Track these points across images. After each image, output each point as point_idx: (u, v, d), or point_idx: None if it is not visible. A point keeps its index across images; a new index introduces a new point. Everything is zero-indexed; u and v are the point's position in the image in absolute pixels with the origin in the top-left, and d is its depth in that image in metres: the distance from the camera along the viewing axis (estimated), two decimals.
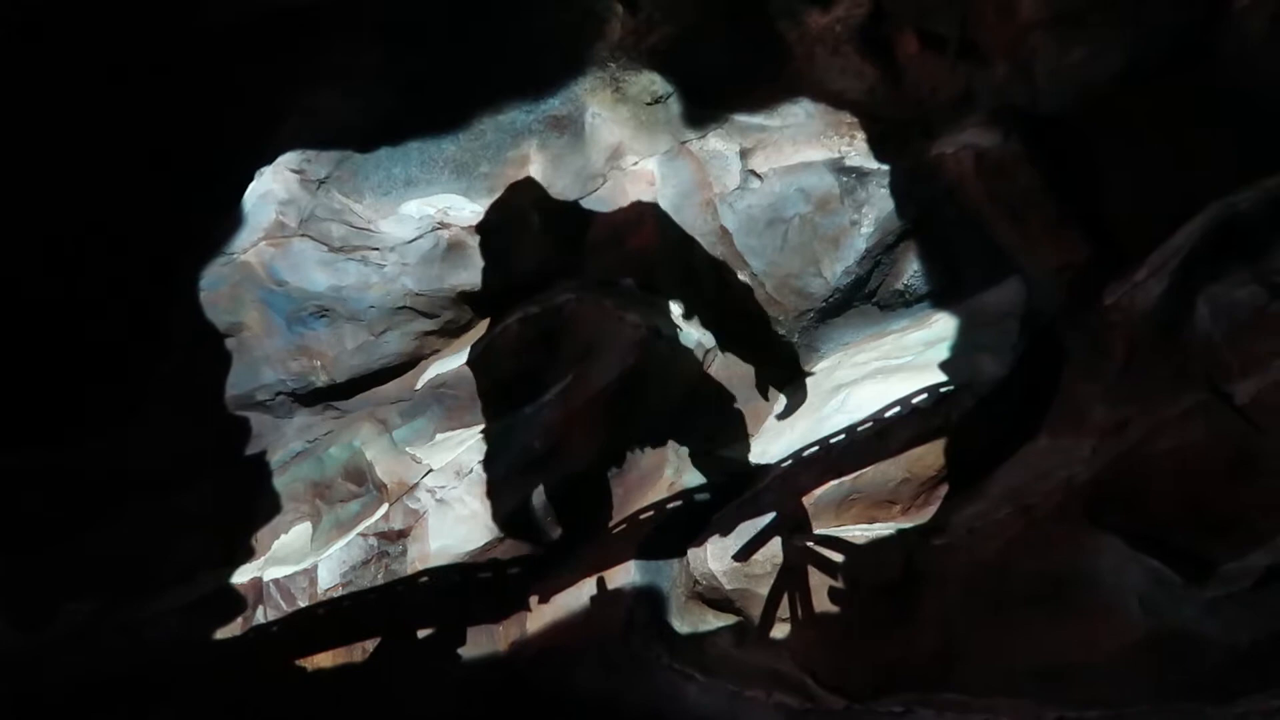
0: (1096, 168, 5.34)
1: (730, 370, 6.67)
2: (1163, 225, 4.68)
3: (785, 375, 6.63)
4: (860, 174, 6.29)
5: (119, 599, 6.30)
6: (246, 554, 6.77)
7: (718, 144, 6.59)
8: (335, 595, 6.45)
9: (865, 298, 6.54)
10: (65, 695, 5.84)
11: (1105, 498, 4.70)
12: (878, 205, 6.28)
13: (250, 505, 6.87)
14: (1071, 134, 5.40)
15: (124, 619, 6.23)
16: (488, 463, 6.47)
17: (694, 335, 6.58)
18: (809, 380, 6.53)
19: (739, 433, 6.56)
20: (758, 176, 6.46)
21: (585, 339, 6.54)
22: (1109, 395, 4.89)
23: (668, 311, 6.52)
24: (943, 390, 5.74)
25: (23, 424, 6.17)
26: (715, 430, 6.58)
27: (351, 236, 6.68)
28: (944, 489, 5.80)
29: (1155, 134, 5.12)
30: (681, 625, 5.94)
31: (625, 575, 6.14)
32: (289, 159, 6.62)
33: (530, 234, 6.84)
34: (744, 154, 6.52)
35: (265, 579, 6.59)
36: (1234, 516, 4.12)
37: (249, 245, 6.66)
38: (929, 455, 5.71)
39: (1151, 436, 4.55)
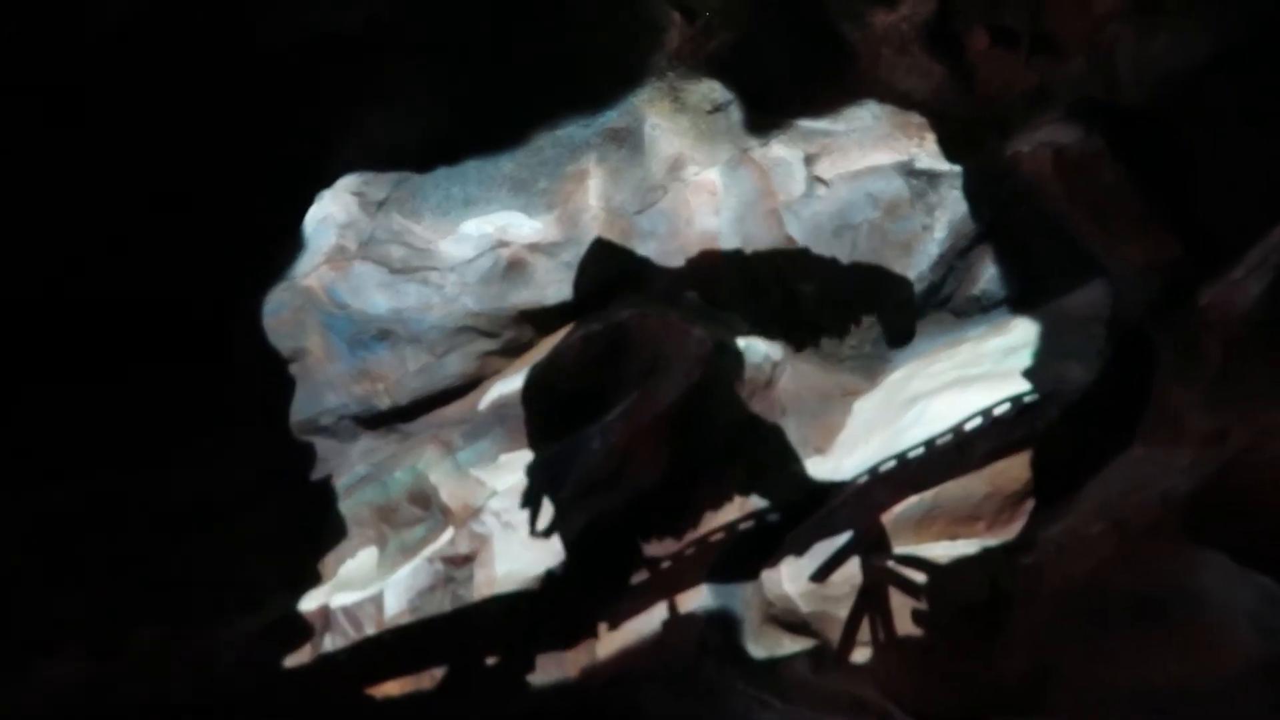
0: (1186, 161, 5.08)
1: (800, 383, 6.50)
2: (1261, 219, 4.44)
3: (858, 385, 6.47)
4: (931, 176, 6.10)
5: (188, 626, 6.31)
6: (313, 579, 6.76)
7: (781, 151, 6.43)
8: (402, 622, 6.40)
9: (939, 304, 6.34)
10: None
11: (1207, 511, 4.47)
12: (950, 208, 6.09)
13: (316, 530, 6.86)
14: (1157, 126, 5.14)
15: (193, 646, 6.24)
16: (553, 484, 6.38)
17: (761, 349, 6.42)
18: (883, 392, 6.35)
19: (787, 454, 6.40)
20: (823, 183, 6.30)
21: (649, 355, 6.42)
22: (1207, 401, 4.66)
23: (733, 325, 6.37)
24: (1026, 400, 5.53)
25: (90, 452, 6.24)
26: (782, 447, 6.42)
27: (411, 257, 6.66)
28: (1030, 503, 5.60)
29: (1248, 124, 4.85)
30: (756, 650, 5.80)
31: (697, 599, 6.02)
32: (348, 182, 6.64)
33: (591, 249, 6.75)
34: (809, 160, 6.37)
35: (332, 606, 6.55)
36: None
37: (310, 269, 6.67)
38: (1013, 468, 5.51)
39: (1257, 444, 4.30)
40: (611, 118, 6.61)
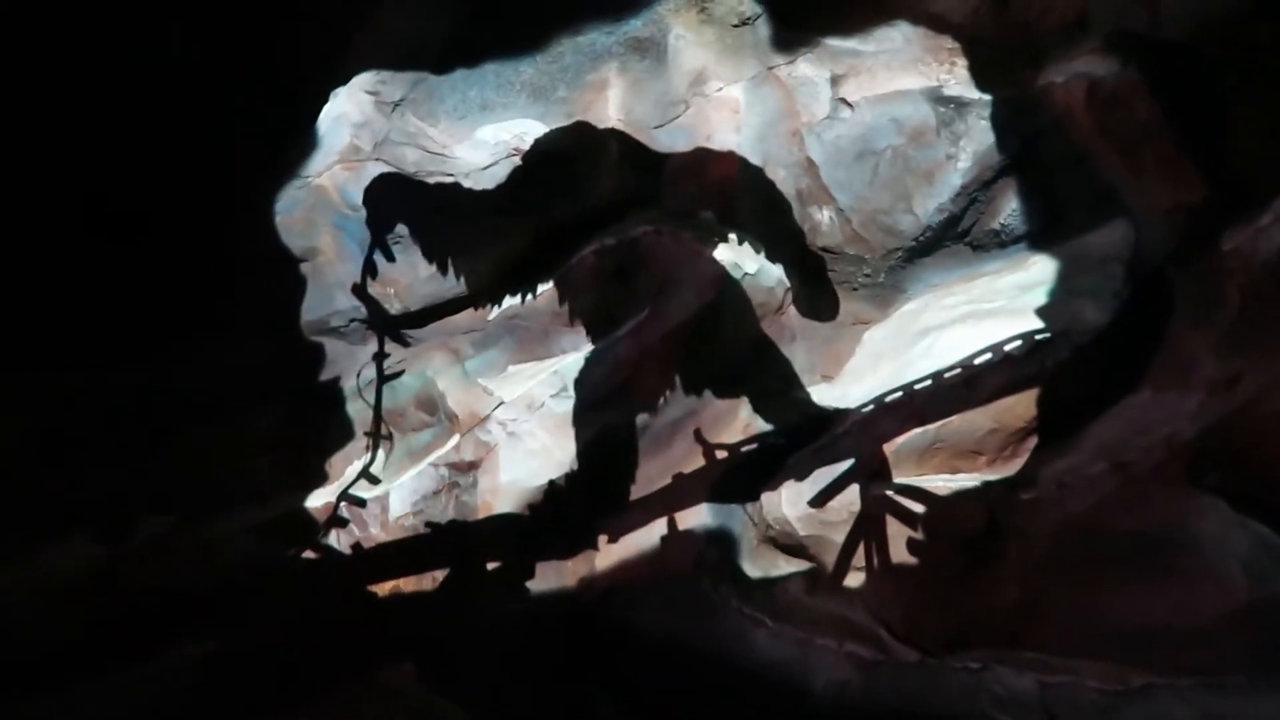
0: (1223, 101, 4.92)
1: None
2: None
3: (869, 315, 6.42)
4: (959, 104, 5.92)
5: (196, 516, 6.41)
6: (320, 478, 6.86)
7: (807, 70, 6.24)
8: (406, 524, 6.52)
9: (958, 237, 6.22)
10: (141, 608, 6.00)
11: (1210, 457, 4.49)
12: (976, 138, 5.92)
13: (324, 430, 6.93)
14: (1196, 63, 4.98)
15: (199, 537, 6.35)
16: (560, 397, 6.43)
17: (774, 273, 6.36)
18: (894, 322, 6.29)
19: (794, 379, 6.39)
20: (848, 105, 6.13)
21: (662, 273, 6.38)
22: (1221, 347, 4.62)
23: (748, 247, 6.29)
24: (1038, 337, 5.48)
25: (105, 343, 6.25)
26: (790, 372, 6.42)
27: (426, 161, 6.55)
28: (1033, 441, 5.59)
29: None
30: (752, 569, 5.89)
31: (697, 517, 6.10)
32: (364, 80, 6.48)
33: (607, 162, 6.62)
34: (835, 81, 6.17)
35: (338, 504, 6.68)
36: None
37: (323, 169, 6.57)
38: (1019, 405, 5.50)
39: (1267, 393, 4.28)
40: (635, 26, 6.40)
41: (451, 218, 6.59)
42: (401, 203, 6.57)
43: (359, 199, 6.59)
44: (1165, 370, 4.92)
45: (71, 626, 5.77)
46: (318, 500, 6.78)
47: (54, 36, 5.62)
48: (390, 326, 6.87)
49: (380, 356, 6.77)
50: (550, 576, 6.46)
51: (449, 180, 6.53)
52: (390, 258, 6.62)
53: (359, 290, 6.61)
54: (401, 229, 6.65)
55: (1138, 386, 5.01)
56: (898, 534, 5.39)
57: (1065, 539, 4.80)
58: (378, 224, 6.54)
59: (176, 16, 6.00)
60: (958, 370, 5.62)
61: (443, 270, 6.71)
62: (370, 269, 6.60)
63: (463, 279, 6.79)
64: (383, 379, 6.75)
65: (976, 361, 5.57)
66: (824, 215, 6.35)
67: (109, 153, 6.04)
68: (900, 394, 5.74)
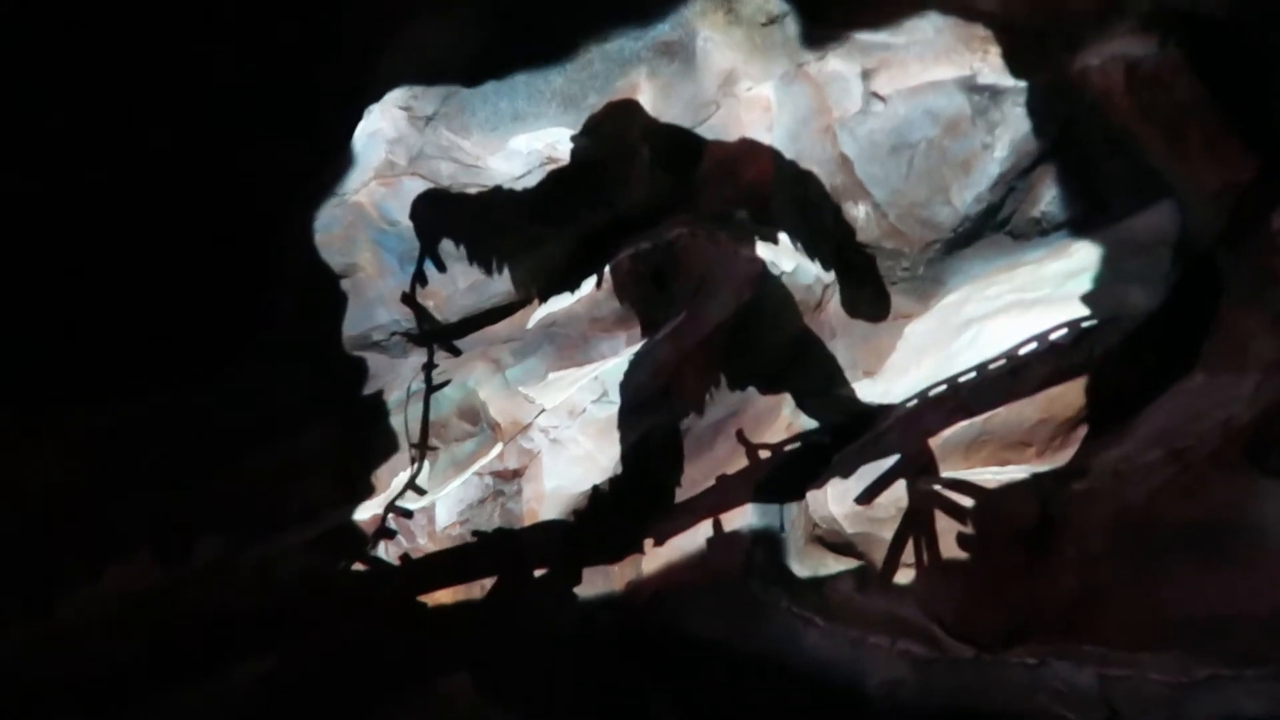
0: (1267, 78, 4.81)
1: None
2: None
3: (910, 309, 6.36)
4: (994, 93, 5.83)
5: (250, 536, 6.50)
6: (367, 492, 6.92)
7: (837, 65, 6.19)
8: (453, 533, 6.56)
9: (997, 227, 6.13)
10: (202, 628, 6.10)
11: (1270, 439, 4.38)
12: (1013, 126, 5.83)
13: (369, 444, 6.99)
14: (1239, 40, 4.87)
15: (254, 555, 6.44)
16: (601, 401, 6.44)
17: (811, 270, 6.33)
18: (935, 315, 6.22)
19: (836, 376, 6.33)
20: (881, 99, 6.07)
21: (698, 275, 6.37)
22: (1275, 328, 4.50)
23: (785, 244, 6.26)
24: (1085, 325, 5.39)
25: (151, 368, 6.36)
26: (831, 369, 6.38)
27: (460, 174, 6.59)
28: (1084, 430, 5.50)
29: None
30: (801, 569, 5.85)
31: (742, 518, 6.08)
32: (396, 96, 6.55)
33: (640, 166, 6.62)
34: (866, 75, 6.12)
35: (385, 517, 6.74)
36: None
37: (360, 185, 6.63)
38: (1068, 394, 5.41)
39: None
40: (663, 30, 6.40)
41: (489, 228, 6.63)
42: (444, 217, 6.59)
43: (396, 214, 6.65)
44: (1219, 353, 4.84)
45: (136, 647, 5.88)
46: (365, 513, 6.83)
47: (88, 63, 5.73)
48: (439, 335, 6.91)
49: (429, 366, 6.81)
50: (598, 582, 6.48)
51: (484, 191, 6.57)
52: (441, 268, 6.65)
53: (409, 299, 6.65)
54: (442, 242, 6.70)
55: (1190, 371, 4.92)
56: (947, 529, 5.33)
57: (1121, 529, 4.72)
58: (426, 235, 6.57)
59: (209, 39, 6.10)
60: (1003, 361, 5.54)
61: (486, 276, 6.76)
62: (421, 278, 6.63)
63: (503, 288, 6.82)
64: (431, 389, 6.77)
65: (1022, 351, 5.49)
66: (860, 211, 6.28)
67: (145, 180, 6.16)
68: (945, 387, 5.68)
